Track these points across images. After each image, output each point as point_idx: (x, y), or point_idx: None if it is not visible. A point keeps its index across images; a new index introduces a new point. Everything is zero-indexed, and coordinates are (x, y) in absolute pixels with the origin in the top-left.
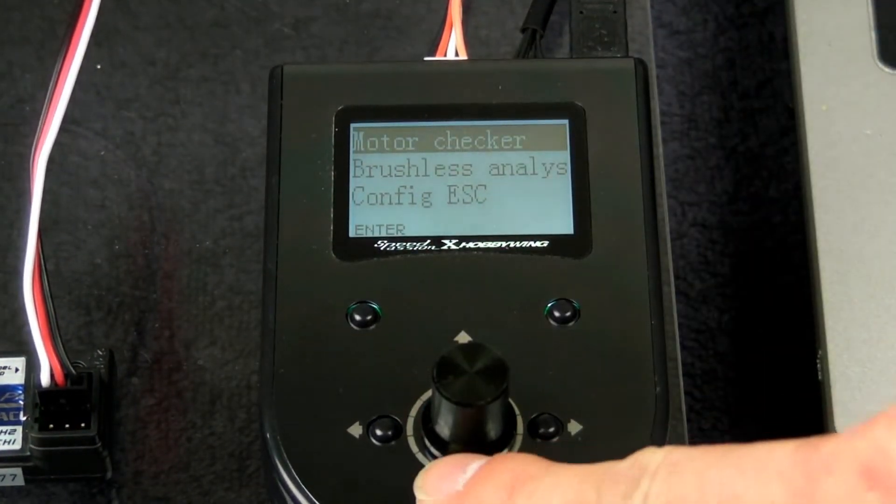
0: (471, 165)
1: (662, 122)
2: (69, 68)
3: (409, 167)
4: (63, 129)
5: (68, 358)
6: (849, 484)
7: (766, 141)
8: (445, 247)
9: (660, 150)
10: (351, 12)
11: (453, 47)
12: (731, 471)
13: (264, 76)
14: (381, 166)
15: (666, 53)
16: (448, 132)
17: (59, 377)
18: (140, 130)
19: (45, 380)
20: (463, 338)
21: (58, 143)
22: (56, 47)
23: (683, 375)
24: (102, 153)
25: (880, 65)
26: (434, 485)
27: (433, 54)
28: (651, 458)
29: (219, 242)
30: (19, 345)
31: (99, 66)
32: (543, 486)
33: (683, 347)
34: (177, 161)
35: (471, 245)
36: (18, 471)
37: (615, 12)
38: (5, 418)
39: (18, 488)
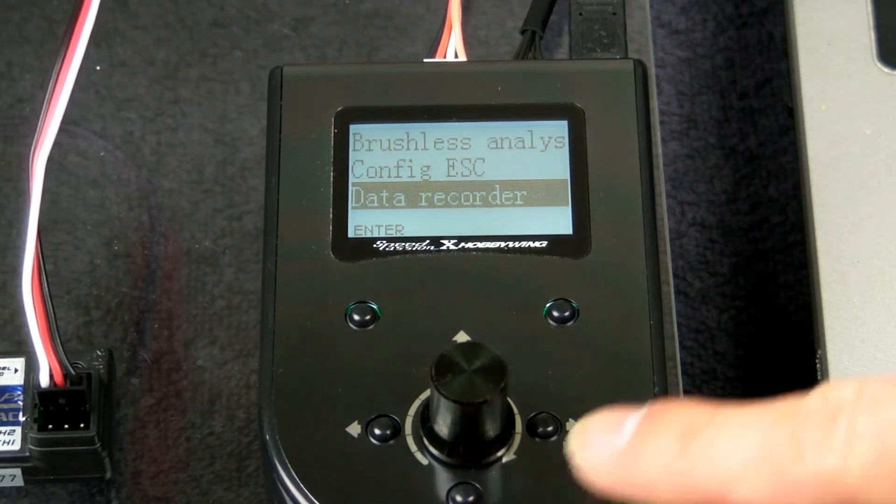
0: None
1: (662, 122)
2: (69, 68)
3: (408, 168)
4: (62, 129)
5: (67, 358)
6: None
7: (766, 141)
8: (444, 247)
9: (659, 149)
10: (350, 12)
11: (453, 48)
12: None
13: (264, 76)
14: (380, 167)
15: (665, 53)
16: (447, 133)
17: (59, 378)
18: (139, 130)
19: (44, 380)
20: (462, 338)
21: (57, 143)
22: (56, 47)
23: (682, 375)
24: (102, 153)
25: (880, 65)
26: (594, 445)
27: (432, 55)
28: (843, 392)
29: (218, 242)
30: (18, 345)
31: (98, 67)
32: (722, 434)
33: (682, 347)
34: (176, 161)
35: (470, 245)
36: (18, 471)
37: (614, 14)
38: (4, 419)
39: (18, 489)
